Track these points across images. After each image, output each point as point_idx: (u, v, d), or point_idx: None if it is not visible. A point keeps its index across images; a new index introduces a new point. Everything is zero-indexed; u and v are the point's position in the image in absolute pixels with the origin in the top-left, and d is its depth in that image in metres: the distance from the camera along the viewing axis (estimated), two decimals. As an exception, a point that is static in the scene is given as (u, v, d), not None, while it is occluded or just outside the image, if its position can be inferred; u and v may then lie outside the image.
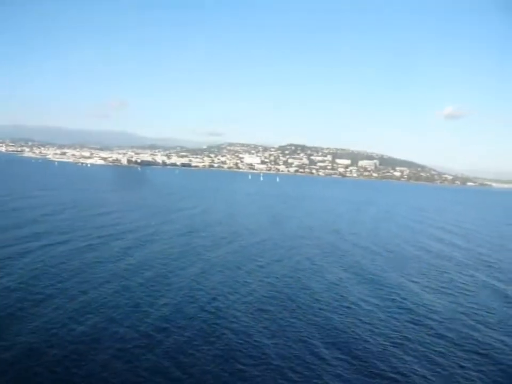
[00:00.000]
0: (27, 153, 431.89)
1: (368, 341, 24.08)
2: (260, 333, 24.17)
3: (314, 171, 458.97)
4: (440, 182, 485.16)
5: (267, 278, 34.90)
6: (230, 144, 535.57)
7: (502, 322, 28.37)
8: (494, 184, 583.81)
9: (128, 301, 27.63)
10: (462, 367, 21.73)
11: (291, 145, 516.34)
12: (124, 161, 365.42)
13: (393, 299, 31.80)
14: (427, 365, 21.65)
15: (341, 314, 27.93)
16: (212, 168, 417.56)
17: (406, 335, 25.29)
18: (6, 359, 19.49)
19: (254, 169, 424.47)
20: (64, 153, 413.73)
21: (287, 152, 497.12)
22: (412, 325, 26.86)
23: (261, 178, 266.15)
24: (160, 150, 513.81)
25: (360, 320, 27.19)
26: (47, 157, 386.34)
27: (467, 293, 34.72)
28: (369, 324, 26.63)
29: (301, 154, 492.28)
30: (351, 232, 63.21)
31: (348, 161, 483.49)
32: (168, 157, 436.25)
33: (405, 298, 32.04)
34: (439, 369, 21.31)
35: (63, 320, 23.84)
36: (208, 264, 38.00)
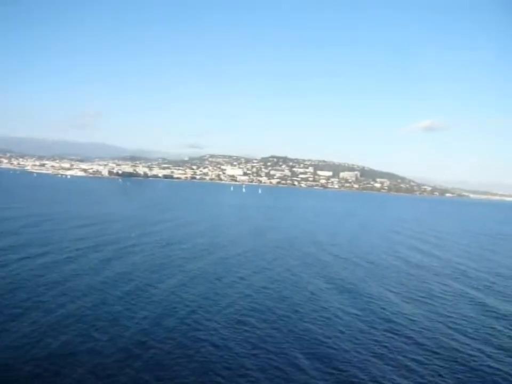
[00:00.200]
0: (5, 164, 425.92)
1: (348, 351, 24.15)
2: (239, 345, 24.06)
3: (296, 183, 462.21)
4: (420, 193, 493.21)
5: (247, 290, 34.81)
6: (212, 156, 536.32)
7: (480, 331, 28.75)
8: (471, 195, 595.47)
9: (107, 314, 27.24)
10: (440, 375, 21.93)
11: (273, 157, 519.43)
12: (105, 172, 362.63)
13: (373, 309, 32.01)
14: (406, 374, 21.78)
15: (321, 325, 27.98)
16: (194, 180, 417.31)
17: (385, 344, 25.43)
18: (-21, 376, 19.03)
19: (236, 181, 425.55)
20: (43, 165, 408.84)
21: (269, 164, 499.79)
22: (391, 335, 27.04)
23: (243, 190, 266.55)
24: (141, 161, 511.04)
25: (340, 330, 27.27)
26: (26, 168, 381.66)
27: (445, 302, 35.14)
28: (349, 334, 26.72)
29: (283, 166, 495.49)
30: (332, 243, 63.56)
31: (329, 173, 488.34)
32: (150, 168, 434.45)
33: (384, 308, 32.27)
34: (418, 379, 21.44)
35: (39, 335, 23.35)
36: (188, 276, 37.76)
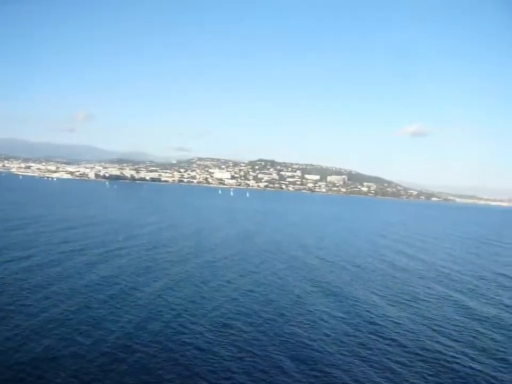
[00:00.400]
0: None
1: (333, 354, 24.25)
2: (225, 349, 24.02)
3: (284, 186, 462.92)
4: (406, 197, 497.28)
5: (233, 293, 34.77)
6: (200, 159, 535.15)
7: (463, 333, 29.09)
8: (457, 200, 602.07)
9: (91, 318, 27.01)
10: (424, 378, 22.12)
11: (261, 160, 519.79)
12: (92, 175, 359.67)
13: (358, 312, 32.18)
14: (390, 376, 21.95)
15: (307, 328, 28.05)
16: (181, 183, 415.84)
17: (370, 347, 25.60)
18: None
19: (224, 184, 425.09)
20: (28, 167, 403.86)
21: (257, 167, 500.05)
22: (376, 337, 27.21)
23: (231, 193, 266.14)
24: (128, 164, 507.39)
25: (326, 333, 27.38)
26: (11, 170, 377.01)
27: (429, 305, 35.46)
28: (334, 337, 26.83)
29: (271, 170, 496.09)
30: (318, 246, 63.76)
31: (317, 177, 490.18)
32: (137, 171, 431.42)
33: (369, 311, 32.47)
34: (402, 381, 21.62)
35: (22, 339, 23.09)
36: (174, 280, 37.60)
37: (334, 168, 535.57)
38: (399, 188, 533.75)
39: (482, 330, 30.14)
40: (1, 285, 32.27)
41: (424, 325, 30.40)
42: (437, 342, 27.22)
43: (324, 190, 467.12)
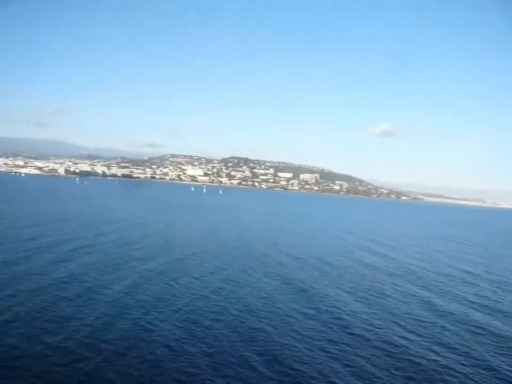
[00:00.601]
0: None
1: (303, 350, 24.53)
2: (194, 346, 24.03)
3: (257, 184, 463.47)
4: (377, 196, 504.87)
5: (203, 291, 34.73)
6: (173, 156, 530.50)
7: (429, 329, 29.83)
8: (426, 198, 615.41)
9: (58, 317, 26.54)
10: (391, 373, 22.61)
11: (234, 158, 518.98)
12: (61, 171, 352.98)
13: (327, 308, 32.61)
14: (358, 372, 22.35)
15: (276, 325, 28.26)
16: (153, 180, 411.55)
17: (339, 343, 25.99)
18: None
19: (196, 181, 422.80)
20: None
21: (230, 164, 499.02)
22: (345, 334, 27.63)
23: (204, 191, 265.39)
24: (99, 160, 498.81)
25: (295, 330, 27.65)
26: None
27: (397, 301, 36.19)
28: (303, 333, 27.12)
29: (244, 167, 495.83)
30: (289, 244, 64.19)
31: (289, 175, 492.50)
32: (109, 167, 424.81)
33: (338, 308, 32.94)
34: (370, 376, 22.06)
35: (-16, 338, 22.62)
36: (143, 277, 37.29)
37: (306, 167, 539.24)
38: (370, 186, 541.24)
39: (447, 326, 30.95)
40: (-36, 283, 31.45)
41: (392, 321, 31.04)
42: (404, 337, 27.85)
43: (296, 188, 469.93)
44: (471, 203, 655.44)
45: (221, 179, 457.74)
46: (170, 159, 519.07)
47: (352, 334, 27.76)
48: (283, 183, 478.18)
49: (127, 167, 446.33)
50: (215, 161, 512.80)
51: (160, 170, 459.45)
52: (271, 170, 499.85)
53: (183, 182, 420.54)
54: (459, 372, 23.36)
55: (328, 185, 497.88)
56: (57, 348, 22.42)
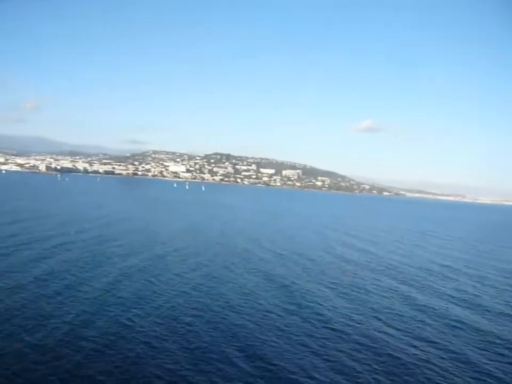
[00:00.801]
0: None
1: (283, 346, 24.57)
2: (175, 343, 23.92)
3: (239, 180, 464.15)
4: (359, 192, 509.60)
5: (184, 287, 34.59)
6: (155, 152, 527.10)
7: (409, 324, 30.13)
8: (407, 194, 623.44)
9: (37, 315, 26.16)
10: (372, 368, 22.76)
11: (216, 154, 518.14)
12: (42, 168, 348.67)
13: (308, 304, 32.73)
14: (339, 367, 22.45)
15: (258, 321, 28.27)
16: (136, 176, 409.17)
17: (320, 338, 26.09)
18: None
19: (179, 177, 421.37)
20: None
21: (212, 161, 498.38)
22: (327, 330, 27.70)
23: (187, 187, 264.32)
24: (81, 156, 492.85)
25: (276, 326, 27.71)
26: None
27: (378, 297, 36.50)
28: (285, 330, 27.16)
29: (226, 163, 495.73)
30: (271, 240, 64.36)
31: (272, 171, 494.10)
32: (90, 164, 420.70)
33: (319, 303, 33.09)
34: (351, 371, 22.15)
35: (-40, 337, 22.23)
36: (123, 274, 36.98)
37: (289, 163, 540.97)
38: (352, 182, 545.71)
39: (427, 320, 31.25)
40: None
41: (373, 316, 31.26)
42: (385, 332, 28.09)
43: (278, 184, 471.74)
44: (451, 198, 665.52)
45: (203, 175, 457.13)
46: (153, 155, 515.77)
47: (333, 329, 27.94)
48: (265, 179, 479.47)
49: (109, 163, 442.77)
50: (198, 158, 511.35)
51: (143, 167, 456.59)
52: (254, 167, 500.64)
53: (166, 178, 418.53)
54: (438, 366, 23.62)
55: (311, 181, 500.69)
56: (37, 345, 22.13)
